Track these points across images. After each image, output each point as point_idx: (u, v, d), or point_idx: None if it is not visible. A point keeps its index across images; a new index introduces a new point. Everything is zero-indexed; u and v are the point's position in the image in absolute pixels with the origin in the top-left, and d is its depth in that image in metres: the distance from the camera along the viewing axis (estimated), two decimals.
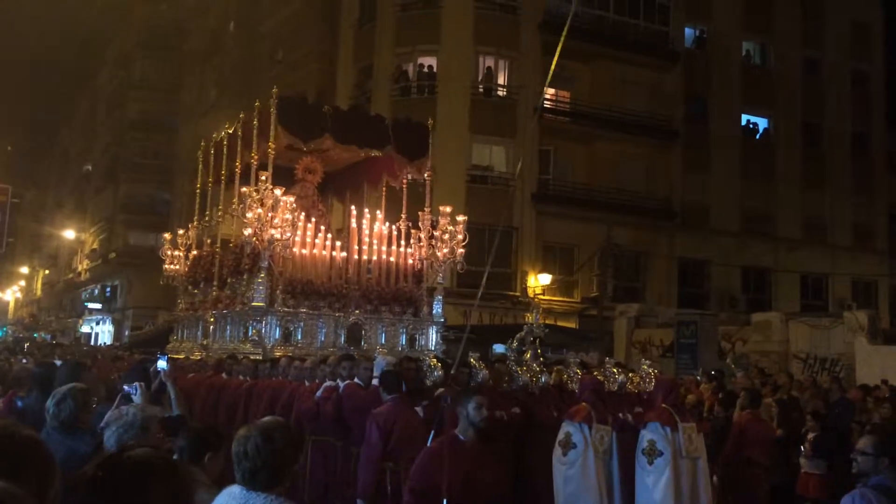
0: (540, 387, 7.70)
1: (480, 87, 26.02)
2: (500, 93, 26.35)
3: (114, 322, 44.90)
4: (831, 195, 30.62)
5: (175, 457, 3.52)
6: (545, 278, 24.95)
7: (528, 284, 24.96)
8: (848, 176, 31.02)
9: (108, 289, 46.85)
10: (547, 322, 23.82)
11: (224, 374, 9.98)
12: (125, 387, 5.66)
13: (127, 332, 40.07)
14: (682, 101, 28.34)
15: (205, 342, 12.86)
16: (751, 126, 30.47)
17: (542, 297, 24.98)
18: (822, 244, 30.12)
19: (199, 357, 12.10)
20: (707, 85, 28.83)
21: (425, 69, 25.99)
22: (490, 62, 26.21)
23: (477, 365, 7.58)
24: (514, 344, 8.09)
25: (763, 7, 29.96)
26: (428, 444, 5.27)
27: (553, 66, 7.67)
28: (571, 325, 24.62)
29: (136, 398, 5.55)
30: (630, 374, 7.44)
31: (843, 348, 17.75)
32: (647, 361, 7.77)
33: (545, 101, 26.42)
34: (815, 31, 31.15)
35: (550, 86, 26.77)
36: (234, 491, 3.01)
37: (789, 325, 19.39)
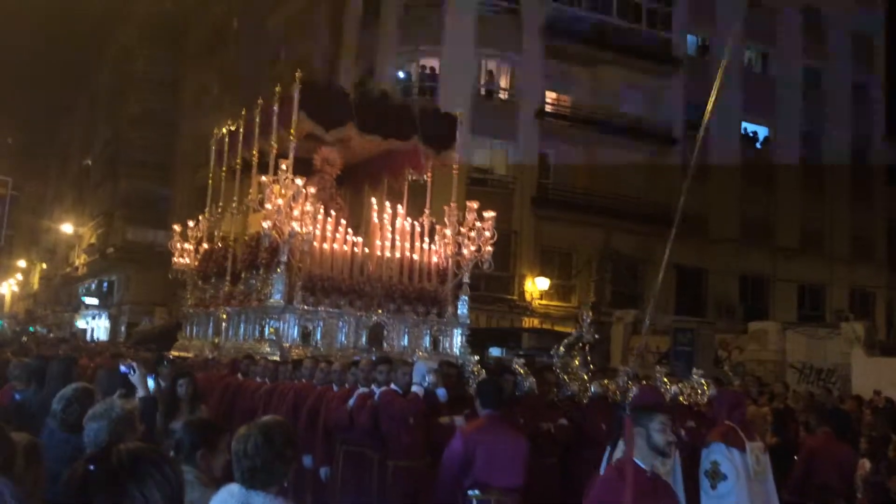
0: (589, 397, 7.17)
1: (482, 89, 26.04)
2: (501, 95, 26.37)
3: (110, 317, 44.84)
4: (830, 205, 30.66)
5: (172, 453, 3.51)
6: (543, 282, 24.96)
7: (525, 288, 24.98)
8: (847, 186, 31.08)
9: (106, 284, 46.81)
10: (544, 327, 23.99)
11: (239, 375, 9.44)
12: (121, 367, 5.59)
13: (123, 328, 40.04)
14: (683, 108, 28.38)
15: (216, 340, 12.41)
16: (750, 135, 30.52)
17: (539, 301, 25.03)
18: (820, 254, 30.16)
19: (210, 356, 11.68)
20: (707, 92, 28.82)
21: (427, 70, 26.02)
22: (492, 65, 26.25)
23: (523, 372, 7.10)
24: (561, 350, 7.47)
25: (765, 16, 30.03)
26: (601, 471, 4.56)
27: None
28: (569, 329, 24.61)
29: (135, 379, 5.49)
30: (681, 385, 6.98)
31: (839, 359, 17.76)
32: (699, 371, 7.20)
33: (546, 105, 26.48)
34: (816, 42, 31.21)
35: (552, 90, 26.85)
36: (233, 489, 3.03)
37: (786, 334, 19.40)
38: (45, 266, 64.06)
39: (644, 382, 7.28)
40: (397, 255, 11.78)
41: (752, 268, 28.89)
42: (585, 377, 7.36)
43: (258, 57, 33.20)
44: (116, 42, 51.01)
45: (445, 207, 12.19)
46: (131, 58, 46.52)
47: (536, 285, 24.96)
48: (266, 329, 10.86)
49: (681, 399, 6.82)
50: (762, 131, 30.70)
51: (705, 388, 6.82)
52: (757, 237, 29.18)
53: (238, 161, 13.18)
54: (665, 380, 7.01)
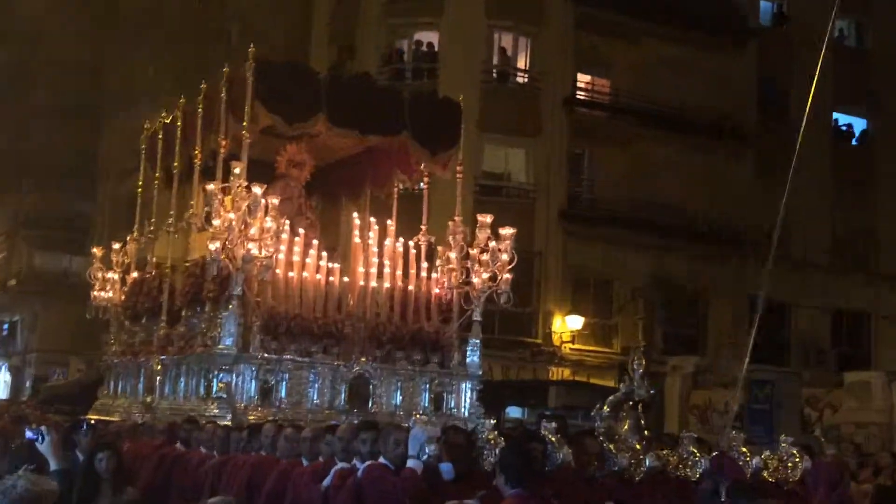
0: (643, 472, 7.11)
1: (494, 71, 26.16)
2: (519, 79, 26.49)
3: (11, 369, 44.80)
4: None
5: None
6: (575, 321, 24.89)
7: (552, 329, 24.90)
8: None
9: (6, 326, 46.82)
10: (577, 379, 23.89)
11: (179, 445, 9.39)
12: (28, 433, 5.55)
13: (28, 384, 39.94)
14: (756, 94, 28.44)
15: (149, 399, 12.32)
16: (844, 128, 30.59)
17: (571, 346, 24.95)
18: None
19: (140, 420, 11.59)
20: (788, 74, 28.90)
21: (423, 47, 26.15)
22: (507, 40, 26.37)
23: (554, 440, 6.96)
24: (606, 410, 7.48)
25: None
26: None
27: None
28: (609, 383, 24.51)
29: (44, 448, 5.44)
30: (764, 457, 7.01)
31: None
32: (788, 438, 7.24)
33: (577, 91, 26.56)
34: None
35: (584, 71, 26.95)
36: None
37: (893, 387, 19.34)
38: None
39: (718, 453, 7.20)
40: (386, 285, 11.71)
41: (848, 301, 28.87)
42: (638, 446, 7.25)
43: (205, 32, 33.38)
44: (21, 14, 51.33)
45: (449, 223, 12.07)
46: (40, 34, 46.77)
47: (567, 325, 24.90)
48: (214, 384, 10.77)
49: (765, 475, 6.83)
50: (859, 123, 30.80)
51: (797, 459, 6.82)
52: (854, 261, 29.16)
53: (176, 164, 13.16)
54: (743, 449, 6.96)
